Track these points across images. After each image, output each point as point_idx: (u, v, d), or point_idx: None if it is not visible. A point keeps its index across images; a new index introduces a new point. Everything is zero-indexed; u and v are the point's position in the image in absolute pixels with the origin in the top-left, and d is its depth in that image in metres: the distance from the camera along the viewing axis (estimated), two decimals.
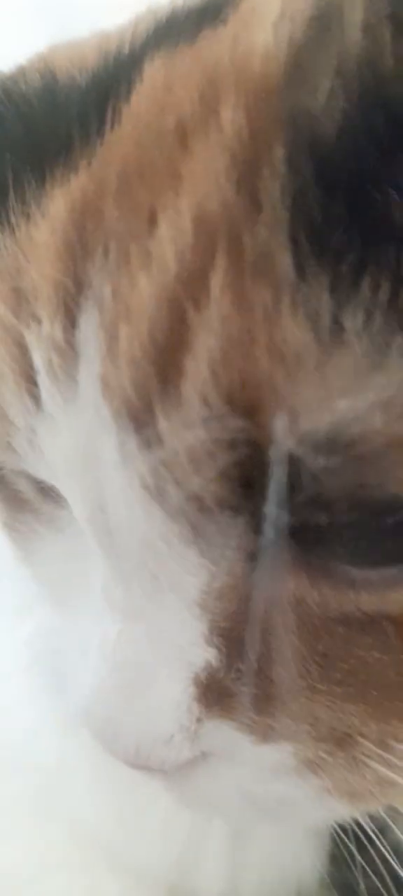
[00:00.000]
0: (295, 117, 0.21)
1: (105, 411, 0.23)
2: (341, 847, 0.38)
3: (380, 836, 0.35)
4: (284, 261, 0.21)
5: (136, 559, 0.26)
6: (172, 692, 0.26)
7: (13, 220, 0.26)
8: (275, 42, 0.22)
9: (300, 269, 0.20)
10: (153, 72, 0.25)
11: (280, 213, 0.21)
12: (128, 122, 0.24)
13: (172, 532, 0.24)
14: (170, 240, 0.22)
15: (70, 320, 0.24)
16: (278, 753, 0.27)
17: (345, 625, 0.25)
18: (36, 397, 0.25)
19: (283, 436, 0.21)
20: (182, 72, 0.24)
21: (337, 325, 0.20)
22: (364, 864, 0.38)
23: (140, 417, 0.23)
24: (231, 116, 0.22)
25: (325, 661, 0.26)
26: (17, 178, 0.26)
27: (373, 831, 0.34)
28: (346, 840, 0.37)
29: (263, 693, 0.26)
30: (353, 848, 0.37)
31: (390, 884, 0.38)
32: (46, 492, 0.31)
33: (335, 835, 0.38)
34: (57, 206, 0.24)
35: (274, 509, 0.22)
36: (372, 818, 0.34)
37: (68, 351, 0.24)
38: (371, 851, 0.37)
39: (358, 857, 0.37)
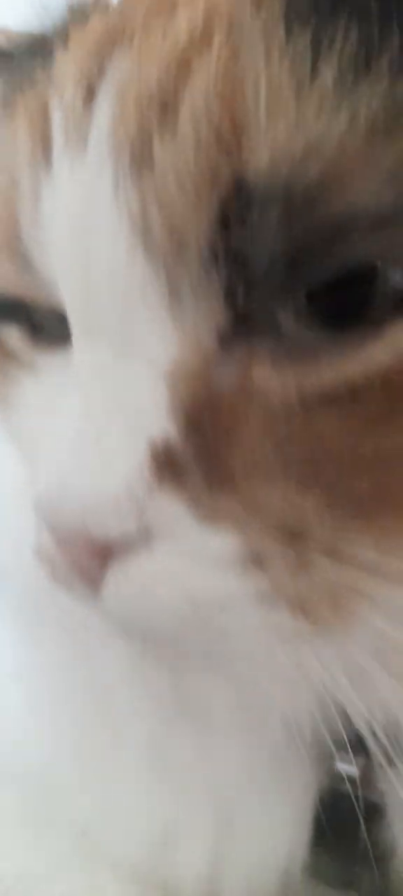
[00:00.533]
0: None
1: (107, 160, 0.26)
2: (325, 833, 0.38)
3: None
4: (277, 32, 0.24)
5: (112, 321, 0.27)
6: (126, 454, 0.26)
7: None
8: None
9: (288, 32, 0.24)
10: None
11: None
12: None
13: (150, 286, 0.26)
14: (186, 19, 0.26)
15: (90, 93, 0.27)
16: (223, 540, 0.26)
17: (305, 408, 0.26)
18: (48, 161, 0.28)
19: (262, 165, 0.24)
20: None
21: (314, 71, 0.24)
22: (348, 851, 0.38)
23: (138, 151, 0.25)
24: None
25: (283, 448, 0.26)
26: None
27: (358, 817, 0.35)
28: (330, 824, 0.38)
29: (217, 475, 0.26)
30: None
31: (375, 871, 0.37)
32: (33, 336, 0.34)
33: (319, 819, 0.38)
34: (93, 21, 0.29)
35: (248, 247, 0.24)
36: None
37: (84, 115, 0.27)
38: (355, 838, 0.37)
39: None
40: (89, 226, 0.27)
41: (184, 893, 0.42)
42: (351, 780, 0.37)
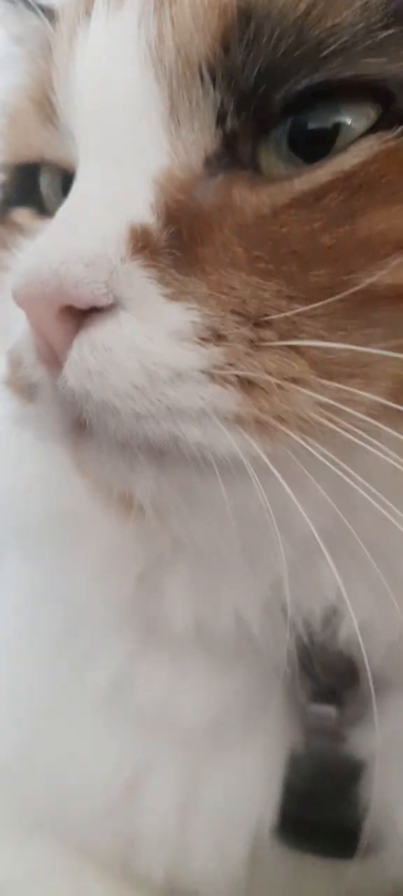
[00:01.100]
0: None
1: (135, 4, 0.31)
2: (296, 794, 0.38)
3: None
4: None
5: (118, 135, 0.30)
6: (106, 224, 0.28)
7: None
8: None
9: None
10: None
11: None
12: None
13: (155, 105, 0.30)
14: None
15: None
16: (185, 314, 0.27)
17: (275, 215, 0.28)
18: (88, 16, 0.32)
19: None
20: None
21: None
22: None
23: None
24: None
25: (251, 247, 0.28)
26: None
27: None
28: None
29: (187, 261, 0.28)
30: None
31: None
32: (40, 213, 0.37)
33: (290, 780, 0.38)
34: None
35: (242, 69, 0.28)
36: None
37: None
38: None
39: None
40: (112, 59, 0.31)
41: (152, 864, 0.40)
42: (326, 732, 0.37)
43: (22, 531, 0.40)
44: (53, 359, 0.28)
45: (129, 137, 0.30)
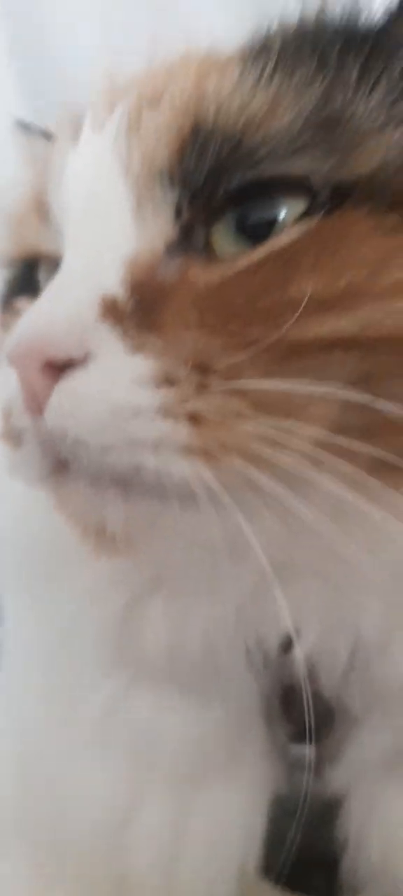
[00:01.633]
0: None
1: (112, 131, 0.38)
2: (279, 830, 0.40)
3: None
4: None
5: (94, 227, 0.37)
6: (82, 295, 0.34)
7: None
8: None
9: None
10: None
11: None
12: None
13: (125, 202, 0.36)
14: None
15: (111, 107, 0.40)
16: (143, 364, 0.33)
17: (222, 284, 0.34)
18: (75, 141, 0.40)
19: (210, 117, 0.35)
20: None
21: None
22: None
23: (133, 120, 0.37)
24: None
25: (202, 310, 0.34)
26: None
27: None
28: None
29: (148, 322, 0.34)
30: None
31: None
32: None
33: (274, 817, 0.40)
34: None
35: (193, 172, 0.35)
36: None
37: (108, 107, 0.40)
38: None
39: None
40: (93, 170, 0.38)
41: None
42: (307, 768, 0.39)
43: (16, 568, 0.44)
44: (36, 406, 0.34)
45: (105, 229, 0.37)
